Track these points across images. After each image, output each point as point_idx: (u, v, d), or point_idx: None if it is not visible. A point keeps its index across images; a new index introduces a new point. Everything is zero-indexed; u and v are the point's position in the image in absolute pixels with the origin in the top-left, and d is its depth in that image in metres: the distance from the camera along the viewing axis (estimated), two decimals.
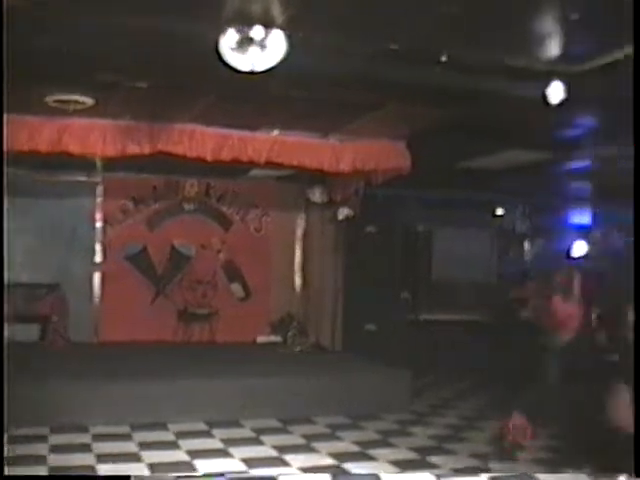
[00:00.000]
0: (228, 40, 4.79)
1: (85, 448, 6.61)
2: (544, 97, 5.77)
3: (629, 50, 4.59)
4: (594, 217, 13.25)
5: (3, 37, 4.75)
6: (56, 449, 6.49)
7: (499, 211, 13.35)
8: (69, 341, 10.53)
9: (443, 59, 5.48)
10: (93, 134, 7.79)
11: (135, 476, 4.94)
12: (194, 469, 6.03)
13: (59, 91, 6.96)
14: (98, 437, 6.97)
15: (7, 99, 4.71)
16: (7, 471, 5.64)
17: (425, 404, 8.98)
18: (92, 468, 5.92)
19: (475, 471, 6.08)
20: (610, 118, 6.83)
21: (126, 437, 7.02)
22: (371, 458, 6.58)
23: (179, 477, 5.08)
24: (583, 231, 13.06)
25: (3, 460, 4.64)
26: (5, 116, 7.40)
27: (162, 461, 6.24)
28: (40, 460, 6.12)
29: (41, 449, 6.49)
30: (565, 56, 5.45)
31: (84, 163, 9.06)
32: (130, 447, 6.71)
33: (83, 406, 7.40)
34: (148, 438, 6.97)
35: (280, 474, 5.60)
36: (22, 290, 10.56)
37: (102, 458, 6.16)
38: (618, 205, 8.59)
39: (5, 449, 6.24)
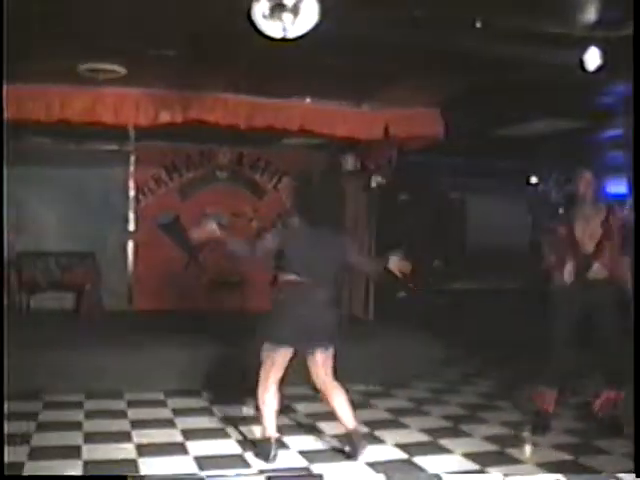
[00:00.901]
0: (260, 7, 4.76)
1: (120, 414, 6.69)
2: (581, 64, 5.68)
3: None
4: (630, 186, 13.05)
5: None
6: (91, 415, 6.57)
7: (533, 179, 13.22)
8: (103, 309, 10.62)
9: (478, 25, 5.41)
10: (126, 103, 7.82)
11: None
12: (228, 435, 6.10)
13: (91, 60, 6.97)
14: (132, 403, 7.06)
15: (41, 69, 4.75)
16: (37, 440, 5.77)
17: (457, 373, 8.96)
18: (128, 434, 5.99)
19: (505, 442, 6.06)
20: None
21: (161, 403, 7.09)
22: (403, 426, 6.59)
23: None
24: (619, 200, 12.89)
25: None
26: (34, 86, 7.52)
27: (196, 427, 6.31)
28: (75, 426, 6.20)
29: (76, 415, 6.56)
30: (602, 22, 5.35)
31: (117, 132, 9.07)
32: (165, 413, 6.80)
33: (117, 374, 7.45)
34: (180, 405, 7.04)
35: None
36: (56, 259, 10.67)
37: (136, 424, 6.22)
38: None
39: (39, 416, 6.37)
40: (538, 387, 6.46)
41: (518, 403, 7.21)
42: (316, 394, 7.56)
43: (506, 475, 5.15)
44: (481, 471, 5.32)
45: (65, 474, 4.98)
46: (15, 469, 4.91)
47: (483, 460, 5.54)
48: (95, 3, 5.31)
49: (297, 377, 7.53)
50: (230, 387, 7.51)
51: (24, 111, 7.59)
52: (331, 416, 6.29)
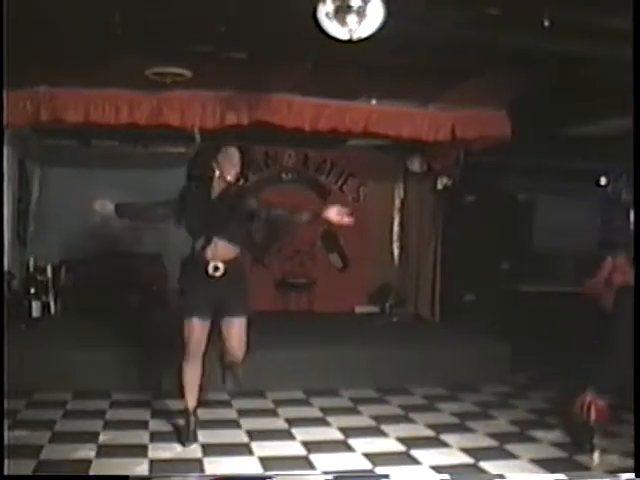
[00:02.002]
0: (326, 8, 4.75)
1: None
2: None
3: None
4: None
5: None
6: (158, 414, 6.62)
7: (603, 180, 12.97)
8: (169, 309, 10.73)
9: (546, 24, 5.32)
10: (193, 105, 7.91)
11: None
12: (293, 437, 6.10)
13: (158, 64, 7.06)
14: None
15: (109, 73, 4.82)
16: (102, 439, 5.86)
17: (525, 377, 8.83)
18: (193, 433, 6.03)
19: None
20: None
21: (226, 404, 7.13)
22: (469, 430, 6.52)
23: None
24: None
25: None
26: (104, 90, 7.67)
27: (261, 428, 6.32)
28: (141, 425, 6.27)
29: (144, 414, 6.63)
30: None
31: (183, 135, 9.16)
32: (230, 414, 6.82)
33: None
34: (247, 406, 7.07)
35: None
36: (124, 260, 10.83)
37: (202, 424, 6.26)
38: None
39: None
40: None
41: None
42: (380, 396, 7.59)
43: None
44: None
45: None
46: None
47: (550, 466, 5.45)
48: (160, 7, 5.37)
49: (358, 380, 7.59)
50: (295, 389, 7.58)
51: (93, 115, 7.73)
52: (396, 419, 6.30)
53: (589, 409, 5.93)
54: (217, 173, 5.67)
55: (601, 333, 6.42)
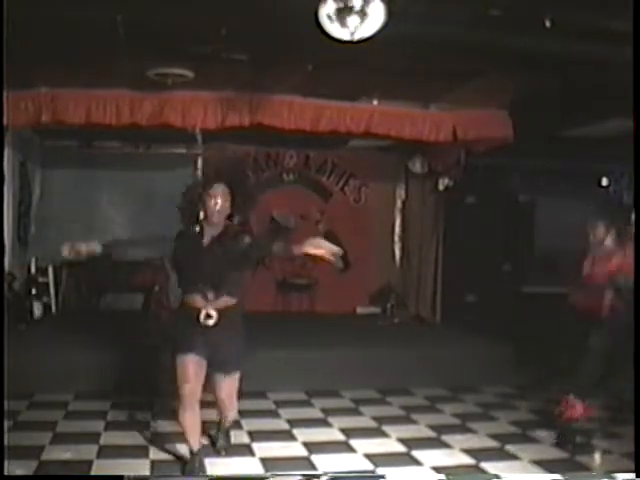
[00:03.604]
0: (327, 9, 4.75)
1: None
2: None
3: None
4: None
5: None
6: (161, 415, 6.60)
7: (604, 181, 12.95)
8: (170, 310, 10.73)
9: (547, 25, 5.32)
10: (194, 106, 7.91)
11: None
12: (294, 438, 6.10)
13: (159, 65, 7.06)
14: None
15: (111, 74, 4.81)
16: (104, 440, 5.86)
17: (527, 377, 8.82)
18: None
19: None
20: None
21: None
22: (470, 431, 6.51)
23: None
24: None
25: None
26: (105, 91, 7.67)
27: (262, 429, 6.32)
28: (145, 426, 6.27)
29: (146, 416, 6.62)
30: None
31: (183, 135, 9.16)
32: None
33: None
34: (248, 406, 7.06)
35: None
36: (125, 261, 10.83)
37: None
38: None
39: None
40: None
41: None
42: (381, 397, 7.59)
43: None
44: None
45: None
46: None
47: (551, 467, 5.45)
48: (162, 9, 5.37)
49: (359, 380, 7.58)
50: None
51: (94, 116, 7.73)
52: (397, 420, 6.30)
53: (570, 411, 5.99)
54: (202, 216, 5.04)
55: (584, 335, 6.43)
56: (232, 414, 5.52)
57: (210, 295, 4.95)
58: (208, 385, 5.15)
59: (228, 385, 5.16)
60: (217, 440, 5.74)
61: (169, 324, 5.51)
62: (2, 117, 7.19)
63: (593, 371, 6.13)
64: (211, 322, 4.90)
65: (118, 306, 10.71)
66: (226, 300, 4.99)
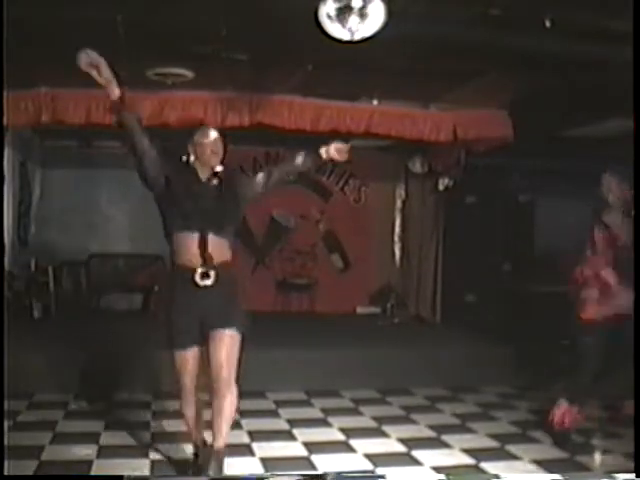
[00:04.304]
0: (327, 9, 4.75)
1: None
2: None
3: None
4: None
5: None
6: (158, 415, 6.61)
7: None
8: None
9: (547, 25, 5.32)
10: (194, 106, 7.91)
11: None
12: (294, 437, 6.09)
13: (159, 64, 7.06)
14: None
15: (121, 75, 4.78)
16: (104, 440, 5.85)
17: (527, 377, 8.81)
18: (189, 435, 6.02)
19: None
20: None
21: None
22: (470, 431, 6.51)
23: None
24: None
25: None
26: (105, 91, 7.65)
27: (262, 429, 6.31)
28: (145, 426, 6.26)
29: (144, 415, 6.63)
30: None
31: (184, 135, 9.16)
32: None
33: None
34: (248, 406, 7.05)
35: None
36: (125, 261, 10.85)
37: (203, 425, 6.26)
38: None
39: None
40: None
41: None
42: (381, 397, 7.58)
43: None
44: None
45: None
46: None
47: (551, 467, 5.44)
48: (162, 9, 5.37)
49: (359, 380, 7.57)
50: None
51: (94, 116, 7.73)
52: (397, 420, 6.28)
53: (560, 418, 5.99)
54: (192, 157, 4.77)
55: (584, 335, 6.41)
56: (226, 381, 4.66)
57: (210, 235, 4.55)
58: (206, 351, 4.67)
59: (227, 342, 4.59)
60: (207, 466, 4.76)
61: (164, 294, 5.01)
62: (2, 117, 7.19)
63: (592, 371, 6.11)
64: (209, 282, 4.53)
65: (118, 306, 10.70)
66: (225, 251, 4.68)
